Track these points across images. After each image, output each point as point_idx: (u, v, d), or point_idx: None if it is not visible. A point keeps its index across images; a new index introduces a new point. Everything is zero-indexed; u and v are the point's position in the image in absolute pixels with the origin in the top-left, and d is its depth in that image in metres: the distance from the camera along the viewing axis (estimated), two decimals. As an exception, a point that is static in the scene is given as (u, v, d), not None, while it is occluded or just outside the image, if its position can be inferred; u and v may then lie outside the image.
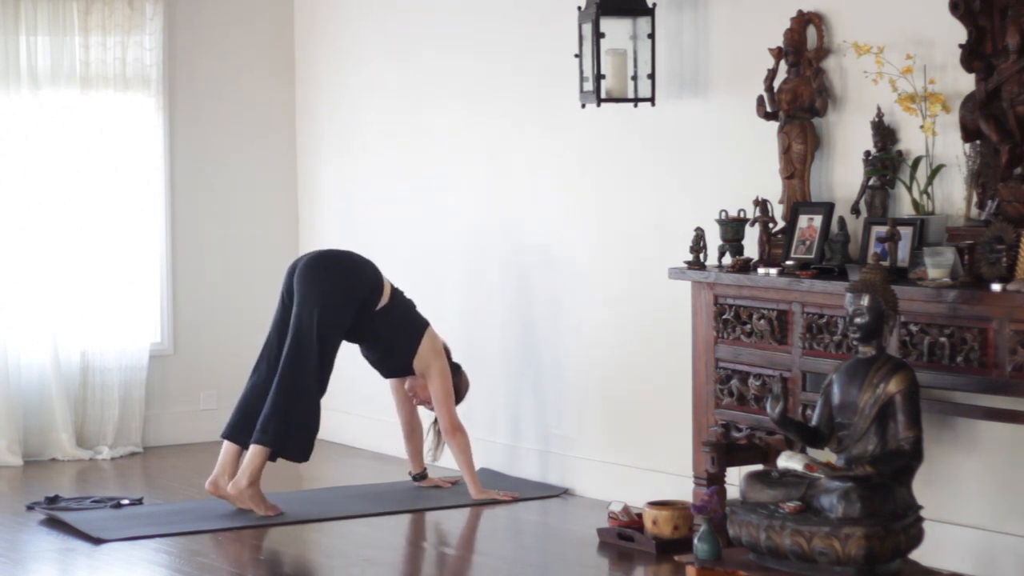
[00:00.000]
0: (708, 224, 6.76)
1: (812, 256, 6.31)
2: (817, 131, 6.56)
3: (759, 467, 6.29)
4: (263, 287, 9.22)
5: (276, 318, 7.64)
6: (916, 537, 5.45)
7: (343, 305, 7.57)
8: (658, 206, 7.40)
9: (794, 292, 6.19)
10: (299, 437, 7.45)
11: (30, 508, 7.62)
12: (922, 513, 5.51)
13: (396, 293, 7.78)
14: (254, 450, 7.40)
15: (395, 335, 7.72)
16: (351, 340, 7.77)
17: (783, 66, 6.64)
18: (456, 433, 7.72)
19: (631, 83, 7.22)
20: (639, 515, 6.70)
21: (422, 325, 7.79)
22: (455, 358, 7.94)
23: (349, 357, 7.93)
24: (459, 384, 7.90)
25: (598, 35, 7.14)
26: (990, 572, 5.98)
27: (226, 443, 7.56)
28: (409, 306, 7.82)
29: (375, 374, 8.00)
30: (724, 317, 6.49)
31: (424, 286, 8.75)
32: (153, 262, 9.33)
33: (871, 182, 6.26)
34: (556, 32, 7.76)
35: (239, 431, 7.53)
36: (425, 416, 8.03)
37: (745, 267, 6.45)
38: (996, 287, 5.48)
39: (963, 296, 5.55)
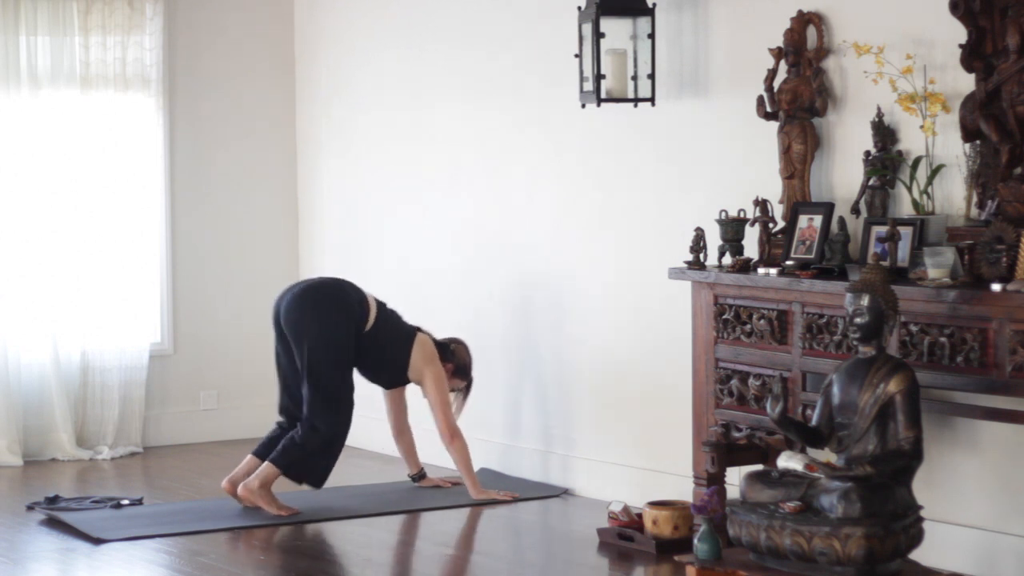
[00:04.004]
0: (708, 224, 6.76)
1: (812, 256, 6.31)
2: (817, 131, 6.56)
3: (759, 467, 6.30)
4: (263, 287, 9.22)
5: (278, 350, 7.61)
6: (916, 537, 5.45)
7: (343, 334, 7.51)
8: (658, 206, 7.40)
9: (794, 292, 6.18)
10: (317, 470, 7.49)
11: (30, 508, 7.62)
12: (922, 513, 5.51)
13: (381, 308, 7.71)
14: (269, 466, 7.43)
15: (386, 350, 7.67)
16: None
17: (783, 66, 6.64)
18: (454, 439, 7.71)
19: (631, 83, 7.21)
20: (639, 515, 6.69)
21: (410, 335, 7.74)
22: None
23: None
24: (463, 359, 7.90)
25: (598, 35, 7.13)
26: (990, 572, 5.98)
27: (250, 456, 7.60)
28: (395, 318, 7.77)
29: (374, 374, 8.00)
30: (724, 317, 6.48)
31: (424, 285, 8.75)
32: (153, 262, 9.32)
33: (871, 182, 6.25)
34: (556, 32, 7.75)
35: (266, 450, 7.58)
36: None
37: (745, 267, 6.45)
38: (996, 287, 5.48)
39: (963, 296, 5.54)
